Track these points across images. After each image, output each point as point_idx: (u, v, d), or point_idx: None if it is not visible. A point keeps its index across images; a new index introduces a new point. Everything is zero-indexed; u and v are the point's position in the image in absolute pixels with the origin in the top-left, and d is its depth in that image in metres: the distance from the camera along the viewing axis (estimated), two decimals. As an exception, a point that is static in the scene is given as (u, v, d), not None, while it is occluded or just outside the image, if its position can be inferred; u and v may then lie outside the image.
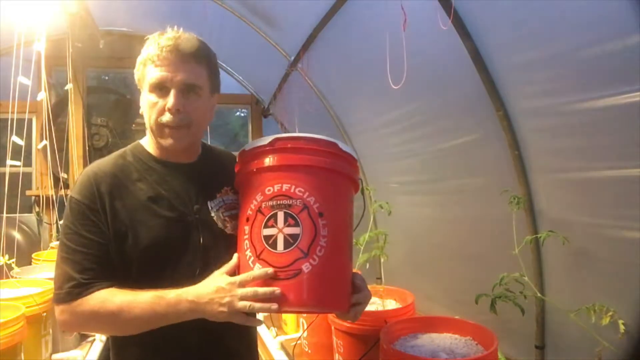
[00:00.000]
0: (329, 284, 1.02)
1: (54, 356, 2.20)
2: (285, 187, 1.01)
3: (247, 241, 1.02)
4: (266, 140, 1.04)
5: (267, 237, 0.99)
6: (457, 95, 2.22)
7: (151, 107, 1.08)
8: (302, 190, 1.00)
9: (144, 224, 1.06)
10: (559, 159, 1.81)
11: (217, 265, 1.05)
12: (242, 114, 5.70)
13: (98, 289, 1.02)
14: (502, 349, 1.97)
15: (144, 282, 1.04)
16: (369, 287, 2.77)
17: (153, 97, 1.08)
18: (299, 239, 0.98)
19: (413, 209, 2.94)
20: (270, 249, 0.98)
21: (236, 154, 1.19)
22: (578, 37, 1.52)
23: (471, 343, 1.79)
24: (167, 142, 1.10)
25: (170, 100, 1.06)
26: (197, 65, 1.09)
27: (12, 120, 2.58)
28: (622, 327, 1.50)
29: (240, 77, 4.88)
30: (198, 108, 1.10)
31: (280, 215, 0.99)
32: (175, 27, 1.12)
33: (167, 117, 1.07)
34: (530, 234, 1.92)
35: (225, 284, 0.96)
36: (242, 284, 0.96)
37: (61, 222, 1.12)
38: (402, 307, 2.27)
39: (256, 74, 4.70)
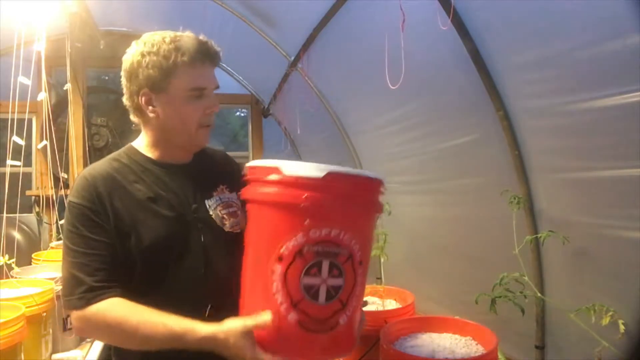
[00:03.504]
0: (355, 330, 0.99)
1: (54, 356, 2.20)
2: (334, 232, 0.89)
3: (276, 283, 0.90)
4: (318, 171, 0.88)
5: (308, 287, 0.89)
6: (457, 95, 2.22)
7: (191, 113, 1.10)
8: (350, 237, 0.91)
9: (144, 224, 1.07)
10: (559, 159, 1.81)
11: (219, 263, 1.06)
12: (242, 114, 5.70)
13: (111, 296, 1.01)
14: (502, 349, 1.97)
15: (148, 280, 1.05)
16: (369, 286, 2.77)
17: (191, 103, 1.10)
18: (340, 291, 0.91)
19: (413, 209, 2.94)
20: (310, 300, 0.89)
21: (231, 153, 1.19)
22: (578, 37, 1.52)
23: (471, 343, 1.79)
24: (200, 141, 1.15)
25: (214, 102, 1.12)
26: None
27: (12, 120, 2.58)
28: (622, 327, 1.50)
29: (240, 77, 4.88)
30: (218, 106, 1.18)
31: (325, 265, 0.89)
32: (181, 28, 1.14)
33: (205, 119, 1.12)
34: (530, 234, 1.92)
35: (251, 355, 0.91)
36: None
37: (61, 222, 1.12)
38: (402, 307, 2.27)
39: (256, 74, 4.70)
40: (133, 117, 1.16)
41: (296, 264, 0.89)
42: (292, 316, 0.89)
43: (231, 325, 0.93)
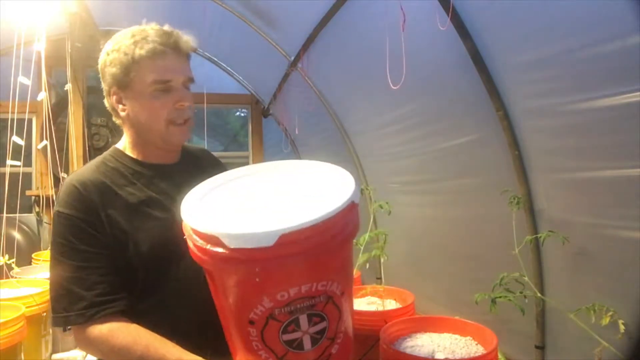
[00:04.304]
0: (350, 347, 0.95)
1: (54, 356, 2.21)
2: (304, 288, 0.79)
3: (256, 343, 0.84)
4: (267, 238, 0.74)
5: (290, 342, 0.83)
6: (457, 95, 2.22)
7: (157, 109, 1.05)
8: (324, 283, 0.81)
9: (141, 229, 1.04)
10: (559, 159, 1.81)
11: None
12: (242, 114, 5.70)
13: (113, 312, 0.98)
14: (502, 349, 1.97)
15: (149, 285, 1.03)
16: (369, 287, 2.77)
17: (157, 98, 1.05)
18: (326, 332, 0.85)
19: (413, 209, 2.94)
20: (295, 350, 0.84)
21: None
22: (578, 37, 1.52)
23: (471, 343, 1.79)
24: (175, 139, 1.09)
25: (183, 96, 1.06)
26: (188, 59, 1.11)
27: (12, 120, 2.58)
28: (622, 327, 1.50)
29: (240, 77, 4.88)
30: (192, 100, 1.11)
31: (303, 318, 0.82)
32: (145, 20, 1.11)
33: (175, 115, 1.06)
34: (530, 234, 1.92)
35: None
36: None
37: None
38: (402, 307, 2.27)
39: (256, 74, 4.70)
40: (114, 119, 1.15)
41: (270, 326, 0.81)
42: None
43: None
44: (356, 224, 0.86)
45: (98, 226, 1.01)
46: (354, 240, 2.45)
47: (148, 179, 1.11)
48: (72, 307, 0.97)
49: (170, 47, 1.05)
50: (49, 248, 1.05)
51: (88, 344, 1.00)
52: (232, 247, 0.75)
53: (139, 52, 1.03)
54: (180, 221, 1.03)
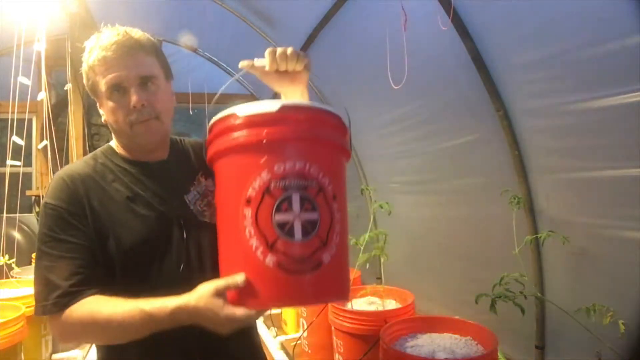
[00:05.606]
0: (345, 273, 0.96)
1: (54, 356, 2.21)
2: (298, 165, 0.87)
3: (249, 228, 0.87)
4: (271, 106, 0.88)
5: (281, 224, 0.86)
6: (457, 95, 2.22)
7: (115, 111, 1.06)
8: (317, 169, 0.89)
9: (124, 225, 1.04)
10: (559, 159, 1.81)
11: (204, 258, 1.05)
12: (242, 114, 5.70)
13: (84, 297, 0.98)
14: (502, 349, 1.97)
15: (129, 282, 1.03)
16: (369, 287, 2.76)
17: (114, 101, 1.06)
18: (317, 226, 0.87)
19: (413, 209, 2.94)
20: (286, 237, 0.85)
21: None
22: (578, 37, 1.52)
23: (471, 343, 1.79)
24: (142, 139, 1.08)
25: (133, 97, 1.04)
26: (146, 56, 1.08)
27: (12, 120, 2.59)
28: (622, 327, 1.51)
29: (240, 77, 4.87)
30: (161, 98, 1.09)
31: (296, 198, 0.86)
32: (103, 24, 1.11)
33: (134, 115, 1.05)
34: (530, 234, 1.93)
35: (225, 314, 0.88)
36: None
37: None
38: (402, 307, 2.27)
39: (256, 74, 4.69)
40: None
41: (265, 203, 0.86)
42: (270, 259, 0.85)
43: (201, 290, 0.90)
44: (345, 146, 0.99)
45: (81, 218, 1.02)
46: (354, 240, 2.47)
47: (134, 175, 1.11)
48: (49, 296, 0.98)
49: (115, 49, 1.04)
50: (36, 239, 1.06)
51: (61, 327, 1.00)
52: (241, 115, 0.90)
53: (91, 59, 1.06)
54: (166, 219, 1.06)
